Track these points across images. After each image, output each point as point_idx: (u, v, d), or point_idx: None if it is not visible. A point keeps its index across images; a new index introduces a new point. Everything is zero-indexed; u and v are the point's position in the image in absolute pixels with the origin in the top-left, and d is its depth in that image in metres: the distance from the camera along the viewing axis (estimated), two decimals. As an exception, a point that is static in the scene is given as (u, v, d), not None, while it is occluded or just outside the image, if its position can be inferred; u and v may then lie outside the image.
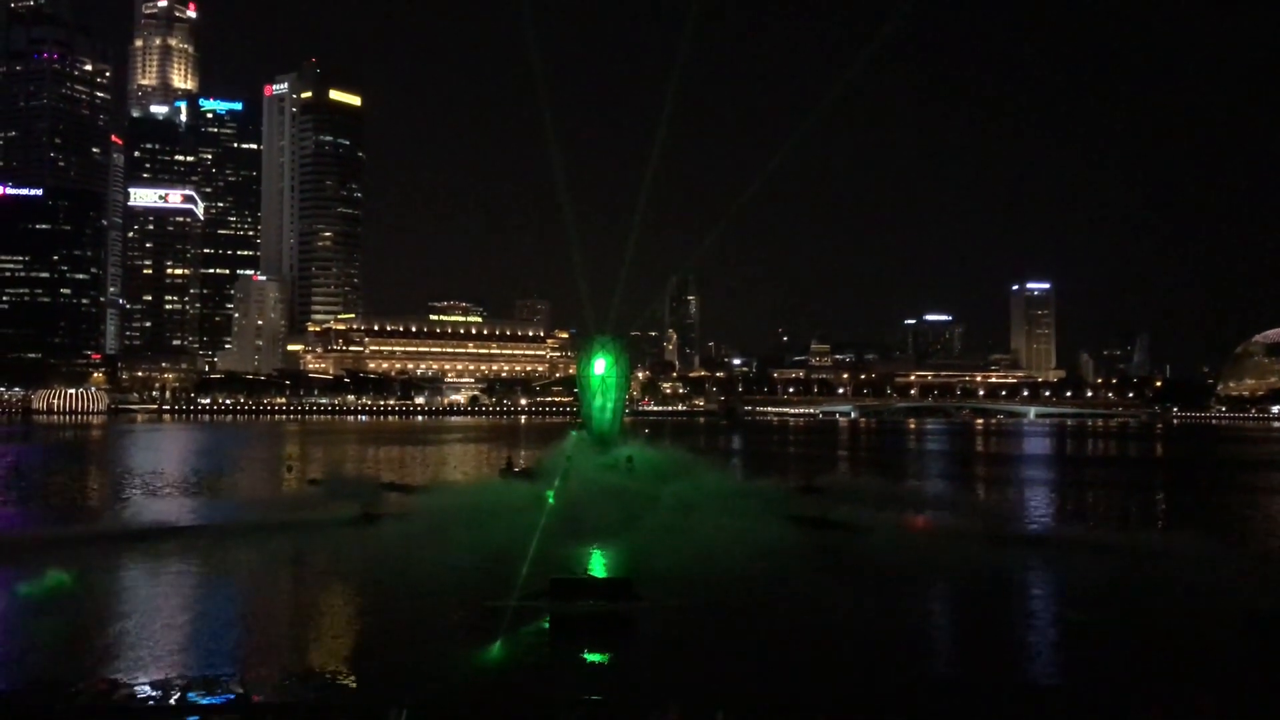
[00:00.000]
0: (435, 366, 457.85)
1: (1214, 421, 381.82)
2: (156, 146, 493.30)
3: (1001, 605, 34.64)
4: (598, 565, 40.49)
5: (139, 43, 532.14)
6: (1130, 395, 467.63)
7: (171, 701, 22.49)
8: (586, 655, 28.17)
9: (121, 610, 32.37)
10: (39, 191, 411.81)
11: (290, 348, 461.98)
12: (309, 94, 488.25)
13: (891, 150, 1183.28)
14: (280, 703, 22.14)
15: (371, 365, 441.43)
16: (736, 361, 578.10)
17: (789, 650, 27.88)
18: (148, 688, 23.48)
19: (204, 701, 22.39)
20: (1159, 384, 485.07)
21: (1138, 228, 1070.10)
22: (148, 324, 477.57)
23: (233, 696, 22.90)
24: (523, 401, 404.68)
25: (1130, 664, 26.71)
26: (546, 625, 29.99)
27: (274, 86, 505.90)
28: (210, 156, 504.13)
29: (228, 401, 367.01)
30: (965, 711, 22.56)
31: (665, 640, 29.19)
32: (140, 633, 29.12)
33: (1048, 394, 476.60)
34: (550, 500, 46.93)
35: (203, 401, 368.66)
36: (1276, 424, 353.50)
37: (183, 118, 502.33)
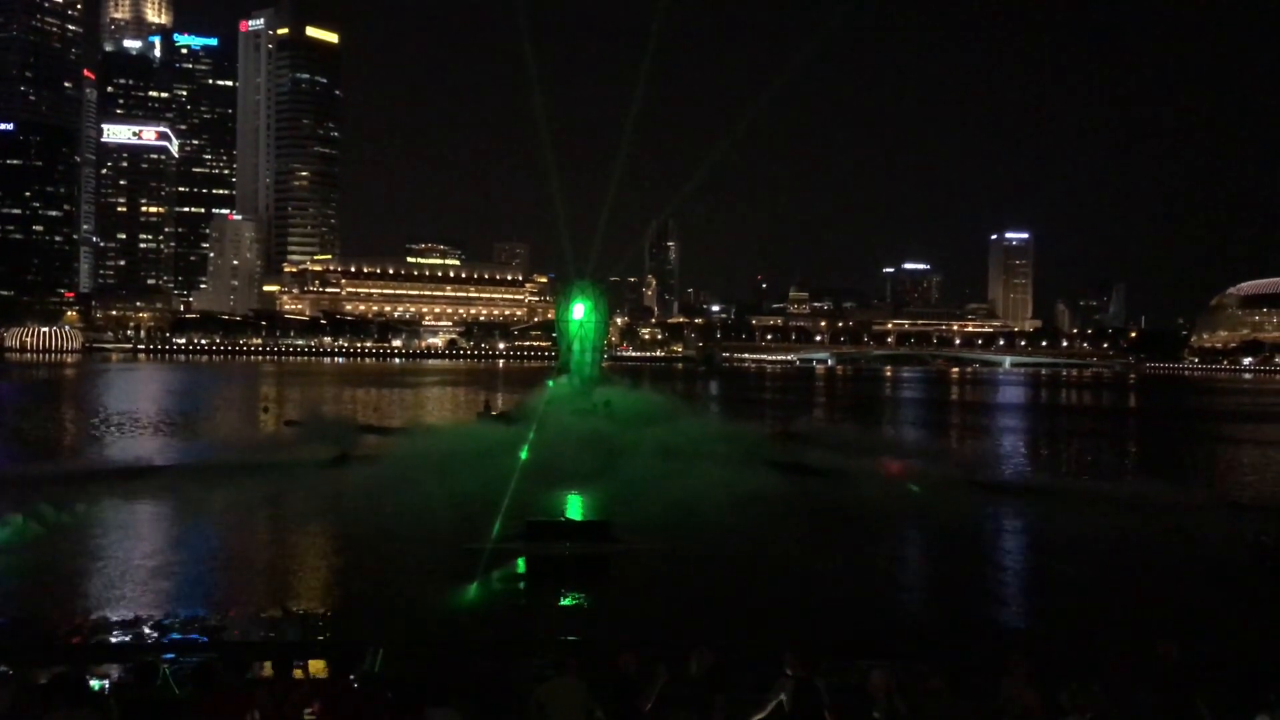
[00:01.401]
0: (413, 309, 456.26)
1: (1186, 373, 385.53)
2: (130, 82, 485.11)
3: (979, 552, 34.95)
4: (574, 509, 40.59)
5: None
6: (1105, 346, 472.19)
7: (146, 639, 22.40)
8: (562, 597, 28.27)
9: (94, 549, 32.17)
10: (10, 126, 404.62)
11: (266, 288, 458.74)
12: (285, 30, 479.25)
13: (873, 99, 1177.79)
14: (254, 641, 22.10)
15: (348, 307, 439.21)
16: (715, 308, 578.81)
17: (765, 593, 28.06)
18: (121, 626, 23.39)
19: (178, 638, 22.32)
20: (1134, 335, 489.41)
21: (1117, 179, 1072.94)
22: (122, 262, 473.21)
23: (206, 636, 22.87)
24: (501, 345, 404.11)
25: (1104, 609, 27.01)
26: (522, 567, 30.04)
27: (250, 22, 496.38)
28: (185, 93, 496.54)
29: (203, 341, 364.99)
30: (937, 653, 22.72)
31: (641, 582, 29.30)
32: (113, 571, 28.98)
33: (1023, 344, 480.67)
34: (524, 455, 46.59)
35: (178, 341, 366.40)
36: (1247, 376, 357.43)
37: (157, 53, 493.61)
